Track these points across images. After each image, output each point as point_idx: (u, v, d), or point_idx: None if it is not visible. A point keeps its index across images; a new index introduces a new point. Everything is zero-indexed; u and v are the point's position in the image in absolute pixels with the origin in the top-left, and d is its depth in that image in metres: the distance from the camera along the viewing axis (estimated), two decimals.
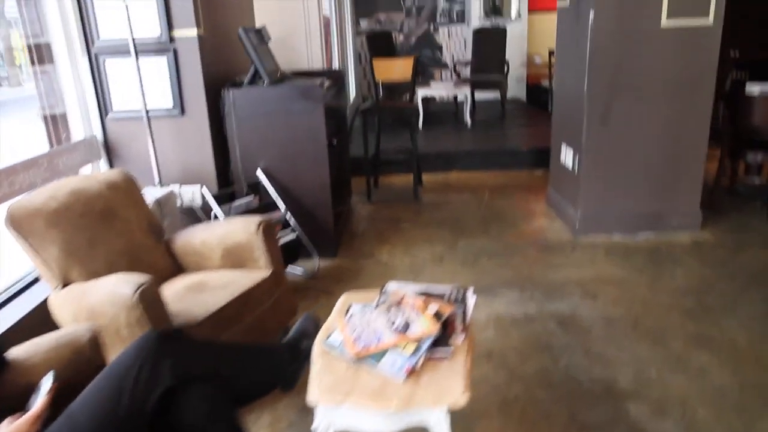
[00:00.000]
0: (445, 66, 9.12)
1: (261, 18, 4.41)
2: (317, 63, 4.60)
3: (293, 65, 4.44)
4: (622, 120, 3.66)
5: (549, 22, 8.86)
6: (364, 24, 9.13)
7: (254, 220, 2.64)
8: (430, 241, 3.90)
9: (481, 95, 7.82)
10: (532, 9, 8.83)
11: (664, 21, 3.48)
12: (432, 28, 9.15)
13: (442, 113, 7.63)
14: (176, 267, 2.74)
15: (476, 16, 8.81)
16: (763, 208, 4.04)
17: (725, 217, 4.10)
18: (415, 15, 9.13)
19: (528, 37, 8.74)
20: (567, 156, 4.05)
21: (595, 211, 3.84)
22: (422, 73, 8.77)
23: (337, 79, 4.41)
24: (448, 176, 5.44)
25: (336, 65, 6.24)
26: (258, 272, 2.58)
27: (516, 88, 8.81)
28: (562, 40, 4.15)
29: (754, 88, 4.21)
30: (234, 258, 2.66)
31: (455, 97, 7.53)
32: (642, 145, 3.71)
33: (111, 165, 3.44)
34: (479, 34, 7.80)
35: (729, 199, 4.44)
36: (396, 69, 4.85)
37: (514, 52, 8.59)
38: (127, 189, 2.69)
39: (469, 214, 4.41)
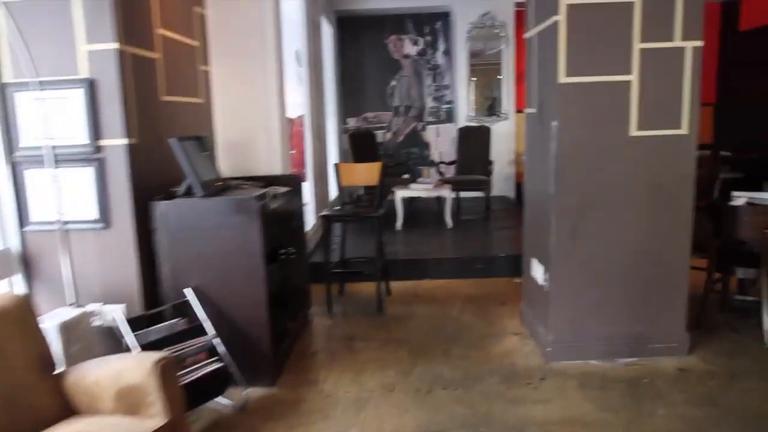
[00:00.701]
0: (433, 164, 8.99)
1: (222, 122, 4.26)
2: (277, 167, 4.40)
3: (251, 170, 4.23)
4: (594, 233, 3.34)
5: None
6: (351, 122, 9.11)
7: (151, 357, 2.29)
8: (384, 366, 3.50)
9: (468, 193, 7.61)
10: (520, 108, 8.80)
11: (634, 131, 3.24)
12: (420, 126, 9.12)
13: (425, 213, 7.38)
14: (66, 408, 2.36)
15: (463, 116, 8.77)
16: (759, 327, 3.62)
17: (717, 338, 3.69)
18: (403, 113, 9.12)
19: (516, 136, 8.64)
20: (537, 271, 3.70)
21: (568, 333, 3.45)
22: (410, 172, 8.62)
23: (294, 184, 4.18)
24: (420, 285, 5.09)
25: (309, 167, 6.07)
26: (149, 421, 2.20)
27: (505, 186, 8.62)
28: (531, 148, 3.92)
29: (739, 199, 3.92)
30: (127, 402, 2.28)
31: (438, 197, 7.30)
32: (618, 260, 3.37)
33: (28, 281, 3.14)
34: (464, 133, 7.71)
35: (722, 316, 4.03)
36: (361, 173, 4.63)
37: (503, 151, 8.48)
38: (17, 317, 2.36)
39: (434, 331, 4.02)
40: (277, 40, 4.44)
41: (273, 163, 4.49)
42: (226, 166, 4.35)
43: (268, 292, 3.24)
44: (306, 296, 4.40)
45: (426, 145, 9.11)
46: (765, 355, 3.46)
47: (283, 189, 4.00)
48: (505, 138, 8.53)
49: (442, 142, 8.92)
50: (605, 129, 3.25)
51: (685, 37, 3.15)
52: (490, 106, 8.83)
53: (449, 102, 8.99)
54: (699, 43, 3.16)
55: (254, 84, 4.42)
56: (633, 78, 3.19)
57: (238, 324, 3.20)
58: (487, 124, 8.09)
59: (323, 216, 4.45)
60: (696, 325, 3.84)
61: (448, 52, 8.89)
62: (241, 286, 3.19)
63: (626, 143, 3.25)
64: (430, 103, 9.07)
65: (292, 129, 5.19)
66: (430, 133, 9.06)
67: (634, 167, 3.28)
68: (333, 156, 8.15)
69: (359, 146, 7.53)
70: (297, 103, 5.99)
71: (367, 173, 4.58)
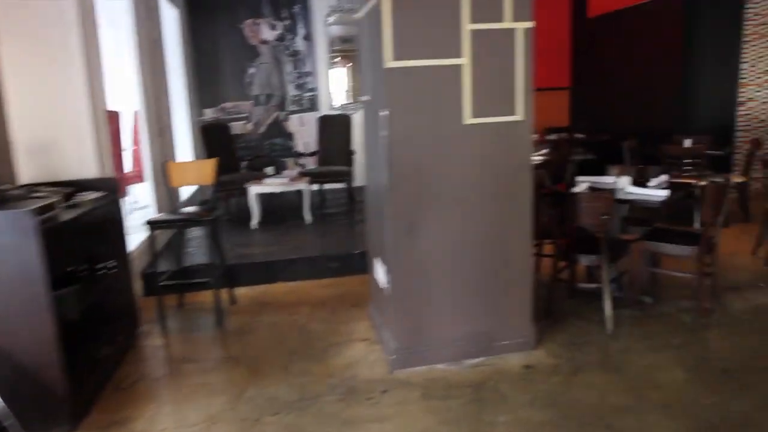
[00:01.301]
0: (297, 155, 8.57)
1: (16, 118, 3.58)
2: (90, 169, 3.80)
3: (58, 175, 3.61)
4: (433, 229, 3.10)
5: None
6: (209, 114, 8.46)
7: None
8: (213, 392, 3.07)
9: (332, 185, 7.28)
10: None
11: (468, 118, 3.03)
12: (282, 116, 8.65)
13: (288, 208, 6.94)
14: None
15: (326, 104, 8.41)
16: (601, 313, 3.58)
17: (564, 328, 3.62)
18: (264, 103, 8.60)
19: None
20: (379, 271, 3.43)
21: (412, 338, 3.20)
22: (275, 165, 8.14)
23: (110, 187, 3.62)
24: (270, 289, 4.69)
25: (148, 167, 5.43)
26: None
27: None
28: (368, 138, 3.63)
29: (581, 185, 3.88)
30: None
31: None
32: (460, 255, 3.17)
33: None
34: (324, 122, 7.35)
35: (570, 304, 3.99)
36: (192, 172, 4.13)
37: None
38: None
39: (276, 345, 3.64)
40: (82, 18, 3.80)
41: (85, 165, 3.87)
42: (26, 171, 3.68)
43: (59, 321, 2.70)
44: (133, 314, 3.86)
45: (290, 136, 8.67)
46: (607, 343, 3.42)
47: (94, 195, 3.45)
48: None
49: (306, 132, 8.52)
50: (438, 117, 3.01)
51: (516, 17, 2.97)
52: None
53: (312, 89, 8.59)
54: (529, 24, 2.99)
55: (55, 72, 3.76)
56: (464, 62, 2.97)
57: (20, 365, 2.65)
58: (348, 113, 7.77)
59: (147, 222, 3.91)
60: (545, 315, 3.77)
61: (308, 37, 8.48)
62: (19, 319, 2.63)
63: (461, 132, 3.04)
64: (292, 91, 8.62)
65: (118, 124, 4.55)
66: (294, 123, 8.63)
67: (471, 157, 3.08)
68: (186, 152, 7.49)
69: (212, 140, 6.94)
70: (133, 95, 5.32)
71: (199, 172, 4.09)
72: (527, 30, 3.00)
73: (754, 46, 6.82)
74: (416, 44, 2.91)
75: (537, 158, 5.75)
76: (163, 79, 6.24)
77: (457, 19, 2.93)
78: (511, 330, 3.31)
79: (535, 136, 7.92)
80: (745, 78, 6.87)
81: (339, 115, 7.51)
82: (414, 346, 3.21)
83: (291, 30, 8.47)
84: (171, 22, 7.29)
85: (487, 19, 2.95)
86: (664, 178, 4.04)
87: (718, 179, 5.74)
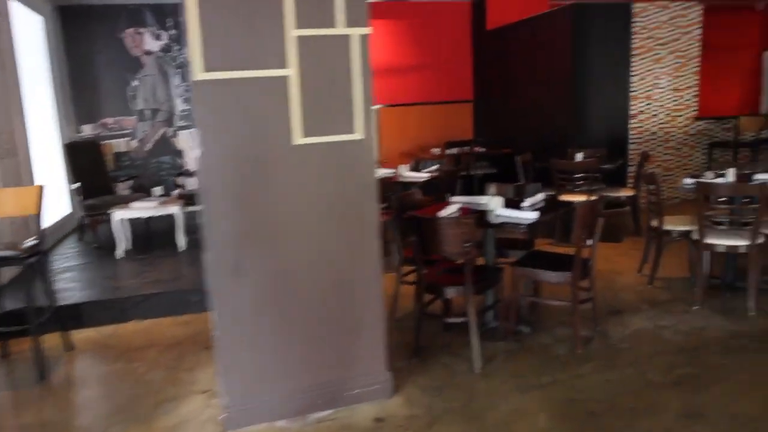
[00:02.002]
0: (188, 174, 7.98)
1: None
2: None
3: None
4: (264, 266, 2.68)
5: None
6: (87, 130, 7.76)
7: None
8: None
9: None
10: None
11: (299, 138, 2.64)
12: (170, 132, 8.05)
13: (163, 233, 6.34)
14: None
15: None
16: (468, 348, 3.26)
17: (430, 368, 3.27)
18: (149, 118, 7.97)
19: None
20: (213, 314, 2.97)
21: (248, 391, 2.76)
22: (162, 184, 7.52)
23: None
24: (119, 330, 4.13)
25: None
26: None
27: None
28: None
29: (451, 206, 3.56)
30: None
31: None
32: (298, 296, 2.76)
33: None
34: None
35: (444, 338, 3.66)
36: (11, 202, 3.54)
37: None
38: None
39: (101, 402, 3.12)
40: None
41: None
42: None
43: None
44: None
45: (179, 153, 8.07)
46: (474, 384, 3.09)
47: None
48: None
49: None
50: (263, 137, 2.60)
51: (350, 23, 2.61)
52: None
53: None
54: (365, 31, 2.64)
55: None
56: (291, 73, 2.58)
57: None
58: None
59: None
60: (414, 353, 3.42)
61: None
62: None
63: (291, 153, 2.64)
64: (181, 105, 8.04)
65: None
66: (183, 139, 8.04)
67: (304, 182, 2.69)
68: (51, 175, 6.75)
69: (79, 160, 6.28)
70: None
71: (18, 201, 3.51)
72: (363, 37, 2.65)
73: (642, 59, 6.83)
74: (232, 53, 2.50)
75: (423, 175, 5.45)
76: (14, 93, 5.56)
77: (281, 24, 2.54)
78: (363, 377, 2.92)
79: (437, 150, 7.69)
80: (635, 91, 6.87)
81: None
82: (250, 402, 2.76)
83: (177, 40, 7.90)
84: (32, 29, 6.59)
85: (316, 24, 2.58)
86: (540, 197, 3.78)
87: (608, 194, 5.68)
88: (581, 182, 5.51)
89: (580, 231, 3.25)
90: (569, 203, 5.60)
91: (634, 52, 6.75)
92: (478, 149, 7.81)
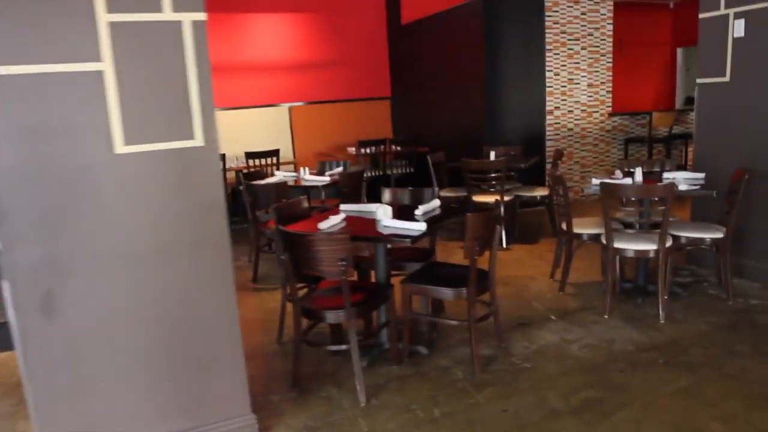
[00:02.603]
0: None
1: None
2: None
3: None
4: (86, 300, 2.20)
5: (241, 117, 7.70)
6: None
7: None
8: None
9: None
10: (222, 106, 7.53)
11: (121, 146, 2.17)
12: None
13: None
14: None
15: None
16: (351, 378, 2.87)
17: (310, 402, 2.87)
18: None
19: None
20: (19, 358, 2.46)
21: None
22: None
23: None
24: None
25: None
26: None
27: None
28: None
29: (331, 219, 3.16)
30: None
31: None
32: (132, 332, 2.29)
33: None
34: None
35: (329, 366, 3.26)
36: None
37: None
38: None
39: None
40: None
41: None
42: None
43: None
44: None
45: None
46: (356, 421, 2.70)
47: None
48: None
49: None
50: (76, 144, 2.12)
51: (178, 6, 2.16)
52: None
53: None
54: (199, 16, 2.20)
55: None
56: (105, 67, 2.11)
57: None
58: None
59: None
60: (292, 386, 3.00)
61: None
62: None
63: (112, 163, 2.17)
64: None
65: None
66: None
67: (133, 200, 2.22)
68: None
69: None
70: None
71: None
72: (198, 24, 2.20)
73: (556, 54, 6.65)
74: (25, 42, 2.00)
75: (324, 179, 5.04)
76: None
77: (90, 7, 2.06)
78: (222, 423, 2.48)
79: (352, 150, 7.29)
80: (550, 86, 6.68)
81: None
82: None
83: None
84: None
85: (135, 7, 2.11)
86: (435, 203, 3.43)
87: (523, 193, 5.44)
88: (494, 182, 5.24)
89: (472, 243, 2.91)
90: (483, 205, 5.35)
91: (548, 47, 6.55)
92: (394, 148, 7.47)
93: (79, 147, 2.12)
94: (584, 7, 6.66)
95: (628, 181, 3.92)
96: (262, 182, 4.97)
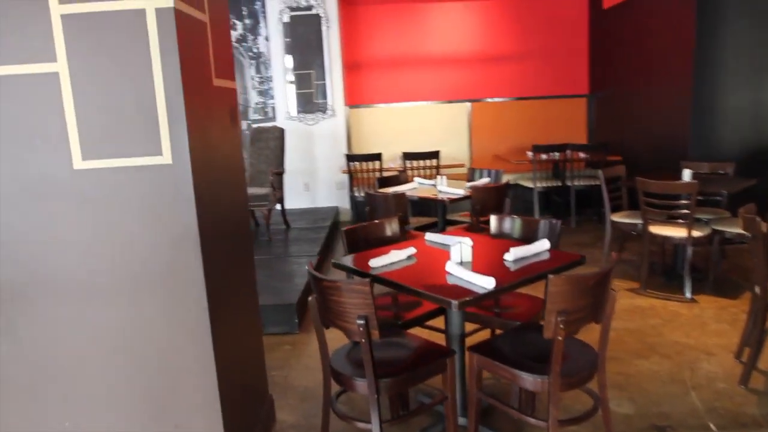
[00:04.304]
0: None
1: None
2: None
3: None
4: (43, 337, 1.93)
5: (375, 115, 7.43)
6: None
7: None
8: None
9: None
10: (354, 103, 7.39)
11: (80, 162, 1.83)
12: (246, 126, 7.68)
13: None
14: None
15: (283, 113, 7.30)
16: None
17: None
18: None
19: (348, 135, 7.22)
20: None
21: None
22: None
23: None
24: None
25: None
26: None
27: (337, 196, 7.20)
28: None
29: None
30: None
31: None
32: (99, 374, 1.98)
33: None
34: (253, 136, 6.28)
35: None
36: None
37: (329, 154, 7.08)
38: None
39: None
40: None
41: None
42: None
43: None
44: None
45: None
46: None
47: None
48: (331, 138, 7.10)
49: None
50: (29, 159, 1.83)
51: None
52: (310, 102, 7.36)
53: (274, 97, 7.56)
54: (167, 2, 1.74)
55: None
56: (60, 69, 1.77)
57: None
58: (279, 125, 6.65)
59: None
60: None
61: (269, 38, 7.44)
62: None
63: (70, 181, 1.84)
64: (255, 97, 7.62)
65: None
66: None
67: (92, 224, 1.87)
68: None
69: None
70: None
71: None
72: (165, 13, 1.75)
73: None
74: None
75: (457, 192, 4.31)
76: None
77: None
78: None
79: (530, 155, 6.39)
80: None
81: (271, 127, 6.39)
82: None
83: (253, 30, 7.47)
84: None
85: None
86: (543, 245, 2.57)
87: (723, 228, 3.99)
88: (682, 209, 4.00)
89: (554, 317, 2.03)
90: (664, 239, 4.14)
91: None
92: (578, 155, 6.35)
93: (33, 162, 1.83)
94: None
95: None
96: (390, 190, 4.45)
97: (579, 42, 7.40)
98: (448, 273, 2.31)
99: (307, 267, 2.28)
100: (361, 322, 2.04)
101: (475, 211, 4.12)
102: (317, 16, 7.12)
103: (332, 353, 2.38)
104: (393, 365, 2.25)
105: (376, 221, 3.01)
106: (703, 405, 2.75)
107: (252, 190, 5.72)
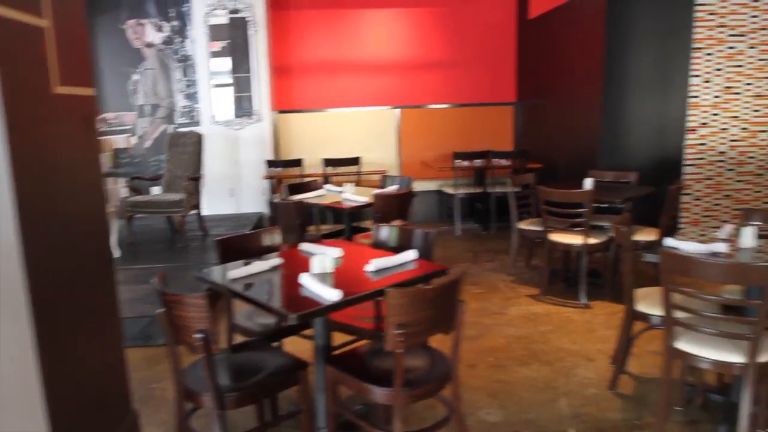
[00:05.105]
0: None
1: None
2: None
3: None
4: None
5: (304, 121, 7.39)
6: None
7: None
8: None
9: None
10: (283, 108, 7.33)
11: None
12: (171, 129, 7.53)
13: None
14: None
15: (208, 117, 7.19)
16: None
17: None
18: (149, 114, 7.51)
19: (273, 140, 7.15)
20: None
21: None
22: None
23: None
24: None
25: None
26: None
27: (262, 203, 7.12)
28: None
29: None
30: None
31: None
32: None
33: None
34: (172, 141, 6.17)
35: None
36: None
37: (254, 160, 7.00)
38: None
39: None
40: None
41: None
42: None
43: None
44: None
45: None
46: None
47: None
48: (257, 144, 7.02)
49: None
50: None
51: None
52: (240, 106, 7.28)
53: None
54: None
55: None
56: None
57: None
58: (197, 129, 6.55)
59: None
60: None
61: (196, 41, 7.32)
62: None
63: None
64: (181, 101, 7.49)
65: None
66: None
67: None
68: None
69: None
70: None
71: None
72: None
73: (708, 55, 5.11)
74: None
75: (360, 199, 4.31)
76: None
77: None
78: None
79: (460, 162, 6.44)
80: (696, 97, 5.17)
81: (188, 132, 6.29)
82: None
83: (180, 32, 7.34)
84: None
85: None
86: (407, 256, 2.58)
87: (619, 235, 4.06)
88: (577, 218, 4.09)
89: (393, 331, 2.03)
90: (564, 246, 4.23)
91: (696, 46, 5.05)
92: (501, 162, 6.45)
93: None
94: None
95: (719, 247, 2.64)
96: (296, 198, 4.42)
97: (507, 50, 7.52)
98: (300, 285, 2.29)
99: (152, 280, 2.23)
100: (199, 336, 2.00)
101: (377, 219, 4.12)
102: (244, 20, 7.04)
103: (188, 367, 2.33)
104: (243, 378, 2.22)
105: (252, 231, 2.98)
106: (570, 411, 2.81)
107: (166, 196, 5.61)
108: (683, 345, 2.46)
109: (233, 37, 7.09)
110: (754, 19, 5.06)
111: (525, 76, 7.36)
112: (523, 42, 7.34)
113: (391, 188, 4.67)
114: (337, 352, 2.63)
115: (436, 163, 7.00)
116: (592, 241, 4.13)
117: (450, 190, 6.46)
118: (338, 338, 2.70)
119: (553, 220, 4.26)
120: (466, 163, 6.31)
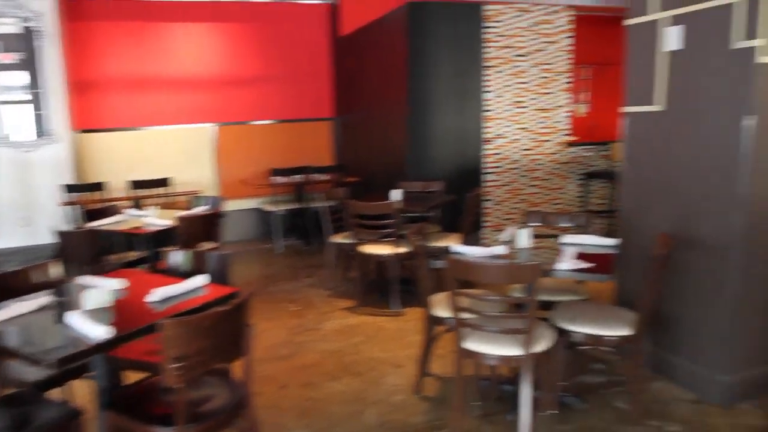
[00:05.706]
0: None
1: None
2: None
3: None
4: None
5: (110, 140, 6.86)
6: None
7: None
8: None
9: None
10: (85, 128, 6.71)
11: None
12: None
13: None
14: None
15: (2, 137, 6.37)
16: None
17: None
18: None
19: (76, 163, 6.52)
20: None
21: None
22: None
23: None
24: None
25: None
26: None
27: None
28: None
29: None
30: None
31: None
32: None
33: None
34: None
35: None
36: None
37: (49, 185, 6.30)
38: None
39: None
40: None
41: None
42: None
43: None
44: None
45: None
46: None
47: None
48: (54, 167, 6.34)
49: None
50: None
51: None
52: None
53: None
54: None
55: None
56: None
57: None
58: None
59: None
60: None
61: None
62: None
63: None
64: None
65: None
66: None
67: None
68: None
69: None
70: None
71: None
72: None
73: (498, 72, 5.61)
74: None
75: (163, 222, 4.07)
76: None
77: None
78: None
79: (280, 179, 6.33)
80: (490, 110, 5.64)
81: None
82: None
83: None
84: None
85: None
86: (198, 281, 2.45)
87: (436, 244, 4.36)
88: (383, 229, 4.22)
89: (171, 363, 1.90)
90: (375, 257, 4.34)
91: (487, 64, 5.51)
92: (318, 177, 6.50)
93: None
94: (535, 16, 5.60)
95: (500, 249, 2.86)
96: (94, 224, 4.04)
97: (322, 66, 7.62)
98: (66, 325, 2.07)
99: None
100: None
101: (183, 243, 3.90)
102: (30, 31, 6.34)
103: None
104: None
105: (16, 269, 2.64)
106: (378, 420, 2.86)
107: None
108: (471, 345, 2.61)
109: (29, 50, 6.36)
110: (533, 42, 5.65)
111: (341, 91, 7.51)
112: (338, 58, 7.49)
113: (199, 209, 4.46)
114: (125, 391, 2.41)
115: (255, 180, 6.86)
116: (402, 250, 4.29)
117: (270, 207, 6.36)
118: (135, 375, 2.48)
119: (364, 233, 4.35)
120: (284, 180, 6.26)
